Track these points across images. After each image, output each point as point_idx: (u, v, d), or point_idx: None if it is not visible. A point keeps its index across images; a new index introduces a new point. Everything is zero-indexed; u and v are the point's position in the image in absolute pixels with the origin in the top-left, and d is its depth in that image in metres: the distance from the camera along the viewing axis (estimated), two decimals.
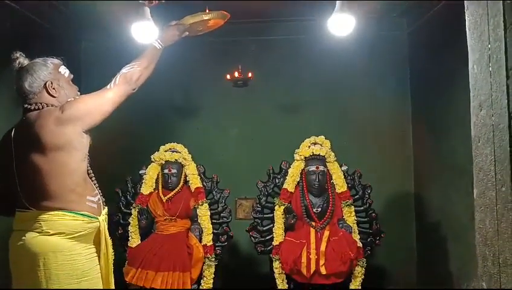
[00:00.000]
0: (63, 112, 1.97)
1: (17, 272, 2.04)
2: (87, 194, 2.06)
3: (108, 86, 2.11)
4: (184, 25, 2.45)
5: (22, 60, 2.12)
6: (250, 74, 4.08)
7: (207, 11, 2.48)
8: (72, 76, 2.22)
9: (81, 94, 2.24)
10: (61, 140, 1.96)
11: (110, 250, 2.20)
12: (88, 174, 2.16)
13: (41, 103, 2.06)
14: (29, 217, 1.99)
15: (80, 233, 2.01)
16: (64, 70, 2.18)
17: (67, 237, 1.98)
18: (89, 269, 2.04)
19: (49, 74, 2.11)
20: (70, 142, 1.97)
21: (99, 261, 2.12)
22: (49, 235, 1.96)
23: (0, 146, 2.13)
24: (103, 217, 2.15)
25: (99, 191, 2.20)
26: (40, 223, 1.96)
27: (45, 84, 2.08)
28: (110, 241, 2.21)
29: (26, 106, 2.08)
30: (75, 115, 1.98)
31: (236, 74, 4.06)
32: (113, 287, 2.23)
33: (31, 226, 1.97)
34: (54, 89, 2.09)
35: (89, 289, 2.04)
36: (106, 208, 2.22)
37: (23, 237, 1.98)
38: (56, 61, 2.18)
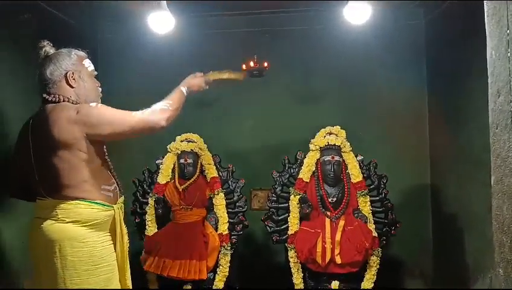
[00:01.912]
0: (77, 113, 2.00)
1: (35, 258, 2.09)
2: (102, 183, 2.10)
3: (134, 112, 2.09)
4: (209, 79, 2.53)
5: (48, 48, 2.16)
6: (266, 64, 4.07)
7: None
8: (95, 72, 2.24)
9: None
10: (69, 139, 1.99)
11: (126, 238, 2.25)
12: (106, 162, 2.20)
13: (59, 95, 2.09)
14: (47, 205, 2.04)
15: (95, 221, 2.05)
16: (88, 64, 2.21)
17: (83, 225, 2.02)
18: (105, 256, 2.08)
19: (72, 64, 2.14)
20: (75, 143, 2.00)
21: (114, 249, 2.16)
22: (65, 223, 2.00)
23: (20, 134, 2.19)
24: (119, 206, 2.19)
25: (117, 180, 2.24)
26: (57, 212, 2.01)
27: (66, 74, 2.12)
28: (125, 230, 2.24)
29: (44, 96, 2.12)
30: (85, 119, 2.00)
31: (252, 64, 4.05)
32: (129, 274, 2.27)
33: (49, 214, 2.02)
34: (73, 79, 2.12)
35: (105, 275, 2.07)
36: (122, 196, 2.26)
37: (41, 225, 2.03)
38: (81, 53, 2.21)
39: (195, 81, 2.43)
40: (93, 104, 2.07)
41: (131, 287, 2.27)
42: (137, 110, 2.16)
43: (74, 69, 2.14)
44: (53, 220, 2.01)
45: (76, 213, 2.01)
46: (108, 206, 2.11)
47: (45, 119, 2.02)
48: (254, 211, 4.57)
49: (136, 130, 2.08)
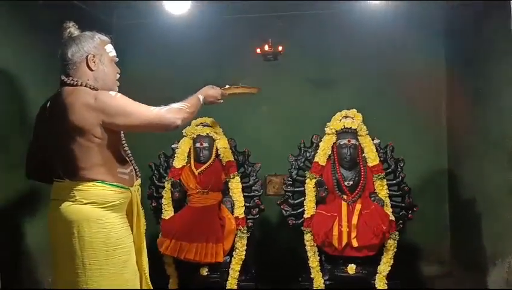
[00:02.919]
0: (95, 100, 2.00)
1: (53, 240, 2.11)
2: (117, 167, 2.11)
3: (152, 107, 2.09)
4: (225, 93, 2.56)
5: (72, 30, 2.17)
6: (280, 48, 4.06)
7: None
8: (117, 59, 2.25)
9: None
10: (85, 125, 1.99)
11: (142, 220, 2.27)
12: (122, 147, 2.21)
13: (77, 79, 2.09)
14: (64, 187, 2.05)
15: (112, 203, 2.07)
16: (110, 50, 2.21)
17: (100, 206, 2.04)
18: (122, 238, 2.09)
19: (94, 47, 2.15)
20: (91, 129, 2.00)
21: (131, 231, 2.17)
22: (82, 204, 2.02)
23: (38, 116, 2.20)
24: (135, 188, 2.21)
25: (134, 163, 2.25)
26: (74, 193, 2.02)
27: (87, 56, 2.12)
28: (142, 212, 2.26)
29: (63, 77, 2.12)
30: (102, 107, 2.00)
31: (266, 48, 4.04)
32: (146, 256, 2.28)
33: (66, 196, 2.04)
34: (94, 62, 2.13)
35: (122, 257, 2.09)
36: (139, 179, 2.27)
37: (59, 206, 2.04)
38: (104, 38, 2.22)
39: (212, 92, 2.45)
40: (112, 93, 2.07)
41: (147, 270, 2.28)
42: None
43: (96, 52, 2.14)
44: (71, 201, 2.03)
45: (93, 194, 2.03)
46: (124, 188, 2.12)
47: (62, 103, 2.03)
48: (269, 197, 4.57)
49: (151, 125, 2.08)
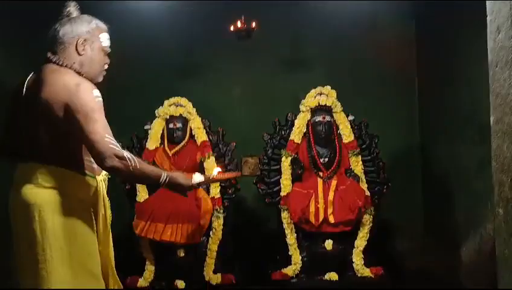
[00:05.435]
0: (76, 86, 1.88)
1: (14, 223, 2.02)
2: (84, 154, 2.03)
3: (111, 138, 1.84)
4: (195, 185, 2.13)
5: (72, 10, 2.05)
6: (253, 24, 3.99)
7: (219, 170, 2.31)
8: (109, 50, 2.10)
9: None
10: (56, 105, 1.89)
11: (108, 211, 2.17)
12: None
13: (63, 58, 1.99)
14: (28, 169, 1.96)
15: (77, 189, 1.98)
16: (104, 39, 2.09)
17: (64, 192, 1.94)
18: (86, 227, 2.00)
19: (87, 32, 2.03)
20: (58, 112, 1.89)
21: (96, 223, 2.09)
22: (45, 188, 1.93)
23: (16, 89, 2.09)
24: (102, 178, 2.12)
25: None
26: (37, 176, 1.93)
27: (77, 39, 2.03)
28: (108, 203, 2.18)
29: (49, 54, 2.02)
30: (76, 96, 1.88)
31: (239, 24, 3.97)
32: (112, 248, 2.21)
33: (29, 179, 1.94)
34: (83, 46, 2.02)
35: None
36: None
37: (21, 189, 1.95)
38: (102, 25, 2.09)
39: (182, 181, 2.06)
40: (95, 92, 1.94)
41: (113, 261, 2.20)
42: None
43: (87, 37, 2.03)
44: (33, 184, 1.94)
45: (57, 179, 1.95)
46: (90, 176, 2.05)
47: (43, 79, 1.93)
48: (245, 178, 4.54)
49: (92, 147, 1.85)
